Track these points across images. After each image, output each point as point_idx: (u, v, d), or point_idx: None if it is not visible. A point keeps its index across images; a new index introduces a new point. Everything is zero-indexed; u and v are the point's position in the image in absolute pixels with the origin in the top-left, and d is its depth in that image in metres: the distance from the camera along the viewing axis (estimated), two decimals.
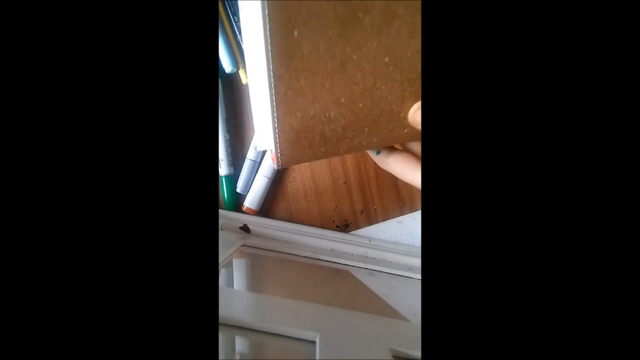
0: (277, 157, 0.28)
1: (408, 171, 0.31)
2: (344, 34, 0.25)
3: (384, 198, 0.51)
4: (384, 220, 0.51)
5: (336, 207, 0.51)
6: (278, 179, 0.51)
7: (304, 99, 0.26)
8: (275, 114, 0.27)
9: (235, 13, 0.47)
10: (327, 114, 0.27)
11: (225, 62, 0.47)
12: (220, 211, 0.50)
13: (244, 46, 0.28)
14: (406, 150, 0.32)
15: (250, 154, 0.50)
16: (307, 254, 0.47)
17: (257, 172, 0.50)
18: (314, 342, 0.26)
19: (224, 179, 0.50)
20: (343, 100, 0.27)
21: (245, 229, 0.50)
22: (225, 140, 0.49)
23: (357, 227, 0.52)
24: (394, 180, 0.50)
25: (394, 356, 0.26)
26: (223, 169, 0.49)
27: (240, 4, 0.26)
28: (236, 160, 0.51)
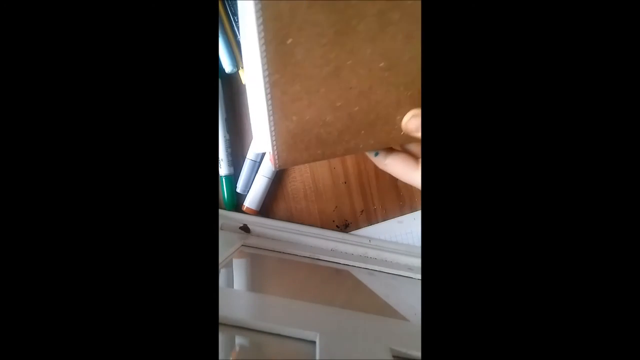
0: (275, 159, 0.29)
1: (406, 171, 0.31)
2: (338, 41, 0.25)
3: (384, 198, 0.51)
4: (384, 220, 0.51)
5: (336, 207, 0.51)
6: (278, 179, 0.51)
7: (299, 103, 0.27)
8: (271, 118, 0.27)
9: (235, 13, 0.47)
10: (323, 118, 0.28)
11: (225, 62, 0.47)
12: (220, 211, 0.50)
13: (243, 50, 0.28)
14: (404, 151, 0.32)
15: (250, 154, 0.50)
16: (307, 254, 0.47)
17: (257, 172, 0.50)
18: (314, 342, 0.26)
19: (224, 179, 0.50)
20: (339, 104, 0.27)
21: (245, 229, 0.50)
22: (225, 140, 0.49)
23: (357, 227, 0.52)
24: (394, 180, 0.50)
25: (394, 356, 0.26)
26: (223, 169, 0.49)
27: (240, 9, 0.26)
28: (236, 160, 0.51)
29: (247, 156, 0.50)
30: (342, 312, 0.31)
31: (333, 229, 0.51)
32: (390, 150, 0.32)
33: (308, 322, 0.27)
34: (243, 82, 0.49)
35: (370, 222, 0.51)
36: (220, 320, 0.26)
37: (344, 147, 0.29)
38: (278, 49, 0.25)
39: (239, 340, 0.26)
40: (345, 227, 0.52)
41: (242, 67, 0.48)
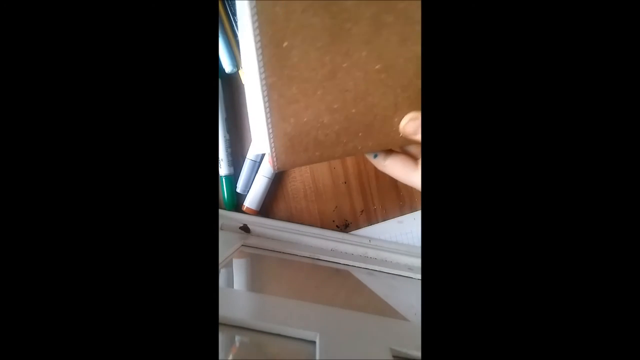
0: (273, 162, 0.29)
1: (406, 173, 0.31)
2: (333, 44, 0.26)
3: (384, 198, 0.51)
4: (384, 220, 0.51)
5: (336, 207, 0.51)
6: (278, 179, 0.51)
7: (296, 105, 0.27)
8: (269, 120, 0.28)
9: (235, 13, 0.47)
10: (321, 120, 0.28)
11: (225, 62, 0.47)
12: (220, 211, 0.50)
13: (241, 52, 0.29)
14: (403, 152, 0.32)
15: (250, 154, 0.50)
16: (307, 254, 0.47)
17: (257, 172, 0.50)
18: (314, 342, 0.26)
19: (224, 179, 0.50)
20: (335, 106, 0.28)
21: (245, 229, 0.50)
22: (225, 140, 0.49)
23: (357, 227, 0.52)
24: (394, 181, 0.50)
25: (394, 356, 0.26)
26: (223, 169, 0.49)
27: (238, 10, 0.26)
28: (236, 160, 0.51)
29: (247, 156, 0.50)
30: (342, 312, 0.31)
31: (333, 229, 0.51)
32: (389, 151, 0.32)
33: (308, 322, 0.27)
34: (243, 82, 0.49)
35: (370, 222, 0.51)
36: (220, 320, 0.26)
37: (342, 149, 0.29)
38: (274, 52, 0.25)
39: (239, 340, 0.26)
40: (345, 227, 0.52)
41: (242, 67, 0.48)
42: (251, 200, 0.50)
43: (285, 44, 0.25)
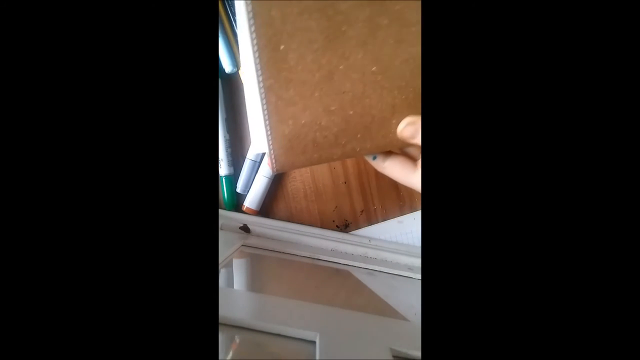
0: (272, 163, 0.29)
1: (405, 174, 0.31)
2: (329, 46, 0.26)
3: (384, 198, 0.51)
4: (384, 220, 0.51)
5: (336, 207, 0.51)
6: (278, 179, 0.51)
7: (294, 107, 0.28)
8: (267, 122, 0.28)
9: (235, 13, 0.47)
10: (318, 122, 0.28)
11: (225, 62, 0.47)
12: (220, 211, 0.50)
13: (241, 55, 0.29)
14: (402, 154, 0.32)
15: (250, 154, 0.50)
16: (307, 254, 0.47)
17: (257, 172, 0.50)
18: (314, 342, 0.26)
19: (224, 179, 0.50)
20: (333, 108, 0.28)
21: (245, 229, 0.50)
22: (225, 140, 0.49)
23: (357, 227, 0.52)
24: (394, 181, 0.50)
25: (394, 356, 0.26)
26: (223, 169, 0.49)
27: (237, 12, 0.27)
28: (236, 160, 0.51)
29: (247, 156, 0.50)
30: (342, 312, 0.31)
31: (333, 229, 0.51)
32: (388, 153, 0.32)
33: (308, 322, 0.27)
34: (243, 82, 0.49)
35: (370, 222, 0.51)
36: (220, 320, 0.26)
37: (340, 151, 0.30)
38: (271, 55, 0.26)
39: (239, 340, 0.26)
40: (345, 227, 0.52)
41: (242, 68, 0.48)
42: (251, 200, 0.50)
43: (282, 46, 0.26)
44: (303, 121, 0.28)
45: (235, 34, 0.48)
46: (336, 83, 0.27)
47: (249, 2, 0.24)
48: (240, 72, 0.49)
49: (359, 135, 0.29)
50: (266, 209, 0.51)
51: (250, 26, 0.25)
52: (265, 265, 0.44)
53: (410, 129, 0.28)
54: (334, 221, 0.52)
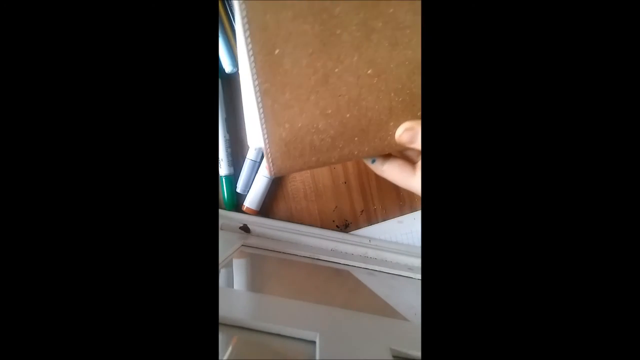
0: (270, 167, 0.30)
1: (404, 177, 0.31)
2: (324, 50, 0.27)
3: (384, 198, 0.51)
4: (384, 220, 0.51)
5: (336, 207, 0.51)
6: (278, 179, 0.51)
7: (290, 111, 0.28)
8: (264, 126, 0.28)
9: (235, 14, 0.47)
10: (315, 125, 0.28)
11: (225, 62, 0.47)
12: (220, 211, 0.50)
13: (239, 58, 0.30)
14: (401, 157, 0.32)
15: (250, 154, 0.50)
16: (307, 254, 0.47)
17: (257, 172, 0.50)
18: (314, 342, 0.26)
19: (224, 179, 0.50)
20: (329, 111, 0.28)
21: (245, 229, 0.50)
22: (225, 140, 0.49)
23: (357, 227, 0.52)
24: None
25: (394, 356, 0.26)
26: (223, 169, 0.49)
27: (235, 13, 0.27)
28: (236, 160, 0.51)
29: (247, 156, 0.50)
30: (342, 312, 0.31)
31: (333, 229, 0.51)
32: (386, 156, 0.32)
33: (308, 322, 0.27)
34: (241, 83, 0.49)
35: (370, 222, 0.51)
36: (220, 320, 0.26)
37: (338, 154, 0.30)
38: (266, 59, 0.26)
39: (238, 340, 0.26)
40: (345, 227, 0.52)
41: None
42: (251, 200, 0.50)
43: (277, 51, 0.26)
44: (300, 124, 0.28)
45: (235, 34, 0.48)
46: (332, 86, 0.27)
47: (243, 7, 0.25)
48: (240, 71, 0.49)
49: (356, 139, 0.29)
50: (266, 209, 0.51)
51: (245, 31, 0.25)
52: (265, 265, 0.44)
53: (408, 134, 0.28)
54: (334, 221, 0.52)
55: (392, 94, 0.28)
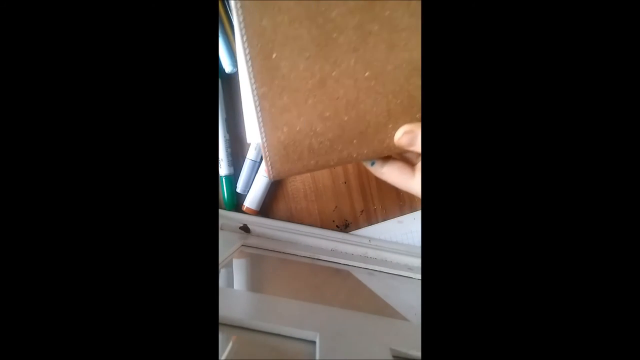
0: (269, 170, 0.30)
1: (403, 180, 0.31)
2: (321, 54, 0.27)
3: (384, 198, 0.51)
4: (384, 220, 0.51)
5: (336, 207, 0.51)
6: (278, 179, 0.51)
7: (288, 114, 0.28)
8: (262, 130, 0.28)
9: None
10: (314, 128, 0.29)
11: (225, 62, 0.47)
12: (220, 211, 0.50)
13: (238, 62, 0.30)
14: (400, 159, 0.32)
15: (250, 154, 0.50)
16: (307, 254, 0.47)
17: (257, 172, 0.50)
18: (314, 342, 0.26)
19: (224, 179, 0.50)
20: (327, 114, 0.28)
21: (245, 229, 0.50)
22: (225, 140, 0.49)
23: (357, 227, 0.52)
24: None
25: (394, 356, 0.26)
26: (223, 169, 0.49)
27: (234, 15, 0.27)
28: (236, 160, 0.51)
29: (247, 156, 0.50)
30: (342, 312, 0.31)
31: (333, 229, 0.51)
32: (386, 159, 0.32)
33: (308, 322, 0.27)
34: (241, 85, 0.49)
35: (370, 222, 0.51)
36: (220, 320, 0.26)
37: (337, 157, 0.30)
38: (263, 63, 0.26)
39: (238, 340, 0.26)
40: (345, 227, 0.52)
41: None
42: (251, 200, 0.50)
43: (274, 55, 0.26)
44: (298, 128, 0.28)
45: (235, 34, 0.48)
46: (329, 89, 0.28)
47: (240, 12, 0.25)
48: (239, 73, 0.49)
49: (355, 141, 0.29)
50: (266, 209, 0.51)
51: (242, 36, 0.25)
52: (265, 265, 0.44)
53: (407, 137, 0.28)
54: (334, 221, 0.52)
55: (390, 97, 0.28)
